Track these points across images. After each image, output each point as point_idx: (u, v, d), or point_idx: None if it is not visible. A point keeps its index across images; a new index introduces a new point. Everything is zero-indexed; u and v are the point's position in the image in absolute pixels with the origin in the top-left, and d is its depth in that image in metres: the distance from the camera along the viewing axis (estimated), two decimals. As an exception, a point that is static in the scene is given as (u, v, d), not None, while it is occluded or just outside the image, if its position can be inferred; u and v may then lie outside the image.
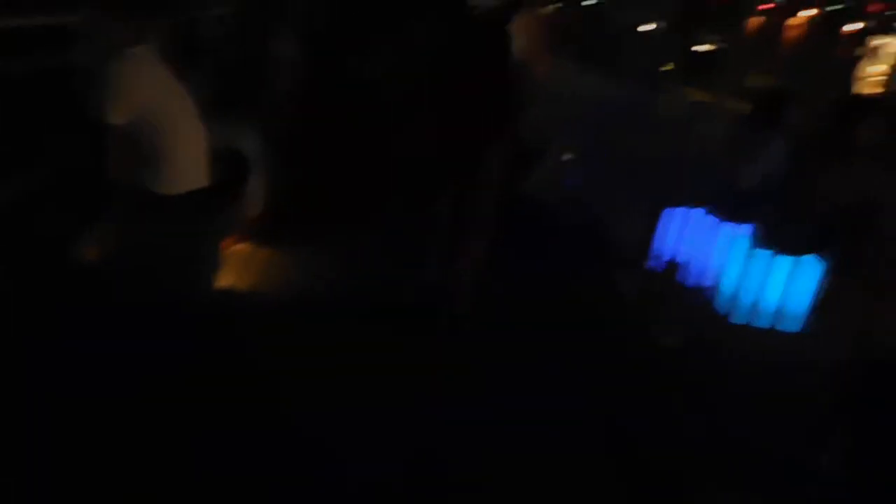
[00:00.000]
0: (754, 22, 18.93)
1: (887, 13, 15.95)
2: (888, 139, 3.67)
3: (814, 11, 17.60)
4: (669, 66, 11.82)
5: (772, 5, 17.76)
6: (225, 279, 3.46)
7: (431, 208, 4.15)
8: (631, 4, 13.86)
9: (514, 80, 4.09)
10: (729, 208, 4.04)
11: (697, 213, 4.15)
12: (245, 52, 4.46)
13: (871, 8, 16.14)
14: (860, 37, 17.69)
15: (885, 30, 17.26)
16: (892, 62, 17.76)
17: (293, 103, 4.54)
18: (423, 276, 3.51)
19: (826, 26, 17.73)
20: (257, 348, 2.91)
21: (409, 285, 3.49)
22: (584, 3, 17.72)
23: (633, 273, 4.18)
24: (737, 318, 3.67)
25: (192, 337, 2.59)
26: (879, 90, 14.41)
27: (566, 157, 5.97)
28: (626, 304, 3.87)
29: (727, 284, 3.79)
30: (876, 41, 18.13)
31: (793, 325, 3.63)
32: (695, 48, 13.15)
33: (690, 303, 3.84)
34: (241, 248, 3.86)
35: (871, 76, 16.53)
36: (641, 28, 13.95)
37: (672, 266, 4.11)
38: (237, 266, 3.67)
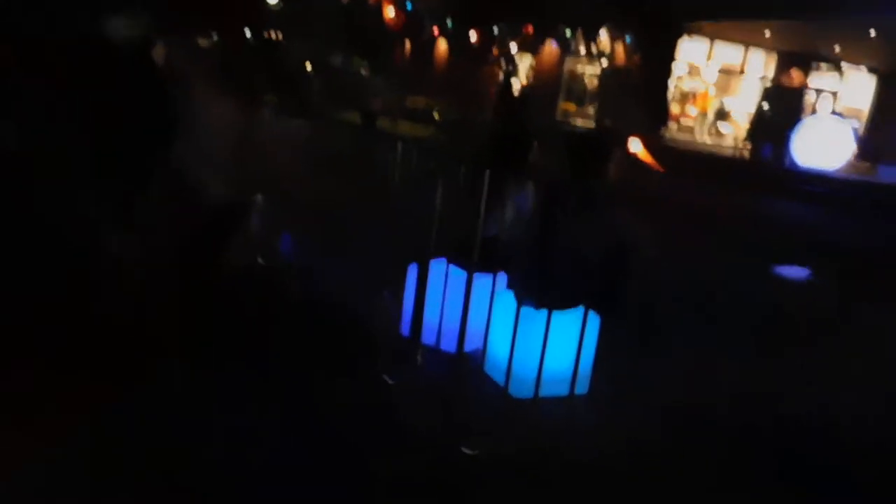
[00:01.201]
0: (421, 48, 19.93)
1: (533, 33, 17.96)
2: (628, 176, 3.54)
3: (476, 37, 19.13)
4: (354, 99, 11.65)
5: (437, 30, 18.92)
6: None
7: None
8: (301, 35, 13.44)
9: (171, 117, 3.46)
10: (477, 262, 3.60)
11: (444, 271, 3.64)
12: None
13: (526, 29, 18.00)
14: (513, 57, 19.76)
15: (531, 49, 19.52)
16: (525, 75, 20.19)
17: None
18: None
19: (488, 49, 19.39)
20: None
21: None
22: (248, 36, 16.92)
23: (390, 357, 3.48)
24: (518, 392, 3.20)
25: None
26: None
27: (271, 213, 5.12)
28: (399, 404, 3.15)
29: (498, 354, 3.32)
30: (522, 58, 20.55)
31: (578, 387, 3.29)
32: (373, 78, 13.24)
33: (471, 389, 3.27)
34: None
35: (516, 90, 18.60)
36: (317, 59, 13.61)
37: (430, 342, 3.52)
38: None
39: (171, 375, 3.00)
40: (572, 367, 3.30)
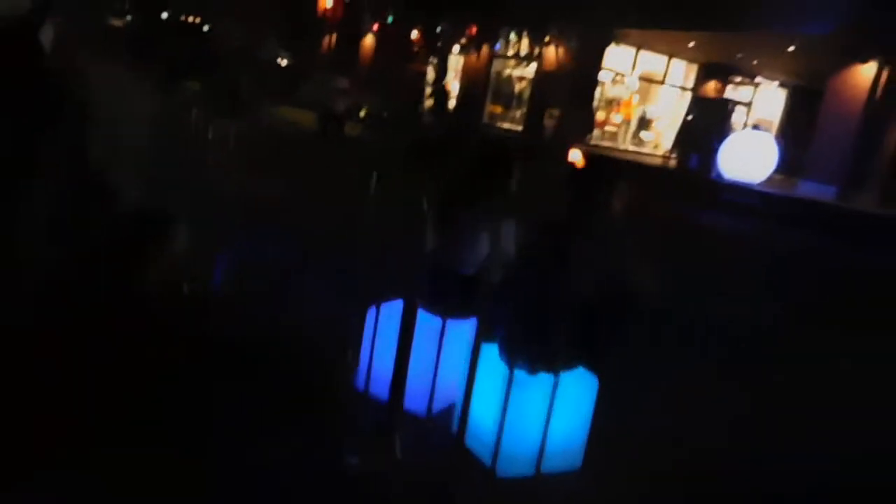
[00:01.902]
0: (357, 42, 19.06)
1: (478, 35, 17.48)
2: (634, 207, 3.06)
3: (416, 34, 18.54)
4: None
5: (377, 26, 18.14)
6: None
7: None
8: (229, 19, 12.41)
9: (62, 110, 2.97)
10: (446, 308, 3.06)
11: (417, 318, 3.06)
12: None
13: (471, 31, 17.55)
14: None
15: (467, 49, 19.02)
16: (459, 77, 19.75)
17: None
18: None
19: (428, 47, 18.81)
20: None
21: None
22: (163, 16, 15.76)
23: (355, 430, 2.85)
24: (505, 471, 2.68)
25: None
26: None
27: (200, 230, 4.38)
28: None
29: (484, 425, 2.78)
30: (457, 59, 20.08)
31: (574, 462, 2.82)
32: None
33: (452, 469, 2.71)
34: None
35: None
36: (246, 49, 12.65)
37: (413, 409, 2.92)
38: None
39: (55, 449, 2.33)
40: (576, 438, 2.83)
